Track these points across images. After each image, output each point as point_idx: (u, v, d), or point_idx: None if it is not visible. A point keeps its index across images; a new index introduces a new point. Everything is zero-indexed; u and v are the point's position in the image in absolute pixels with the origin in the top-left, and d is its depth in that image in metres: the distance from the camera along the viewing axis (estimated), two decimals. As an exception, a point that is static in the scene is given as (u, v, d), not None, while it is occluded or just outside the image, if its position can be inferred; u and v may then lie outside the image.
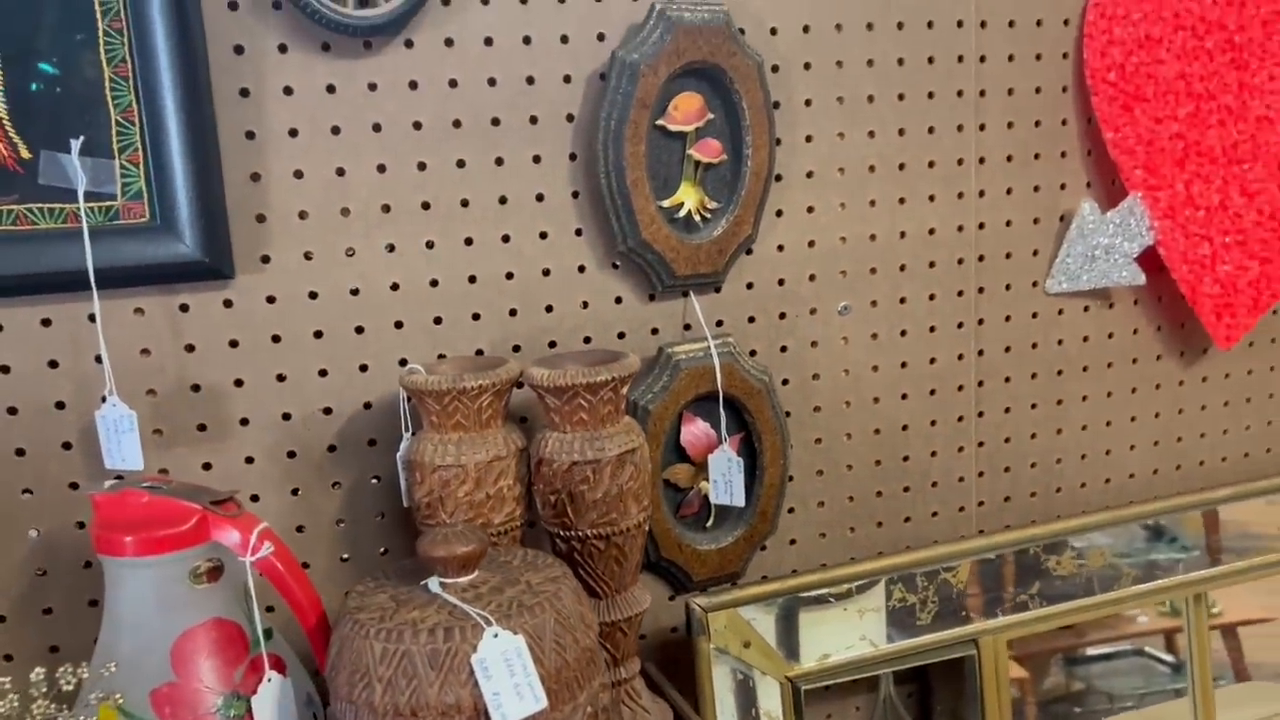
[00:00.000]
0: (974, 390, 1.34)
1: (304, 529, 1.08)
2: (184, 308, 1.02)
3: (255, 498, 1.06)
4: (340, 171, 1.04)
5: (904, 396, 1.31)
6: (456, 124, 1.07)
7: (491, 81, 1.07)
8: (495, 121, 1.08)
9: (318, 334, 1.06)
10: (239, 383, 1.04)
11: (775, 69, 1.17)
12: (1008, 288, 1.33)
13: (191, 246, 0.98)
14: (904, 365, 1.30)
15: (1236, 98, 1.33)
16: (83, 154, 0.94)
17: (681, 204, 1.13)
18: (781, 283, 1.22)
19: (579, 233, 1.13)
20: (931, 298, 1.29)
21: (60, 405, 0.99)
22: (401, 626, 0.81)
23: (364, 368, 1.08)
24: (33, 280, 0.95)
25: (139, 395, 1.01)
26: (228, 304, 1.03)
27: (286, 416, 1.06)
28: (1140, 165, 1.31)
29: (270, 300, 1.04)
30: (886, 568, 1.25)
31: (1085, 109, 1.31)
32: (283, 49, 1.01)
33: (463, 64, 1.06)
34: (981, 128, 1.28)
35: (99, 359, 0.98)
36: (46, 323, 0.98)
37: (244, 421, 1.05)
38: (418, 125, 1.06)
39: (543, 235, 1.12)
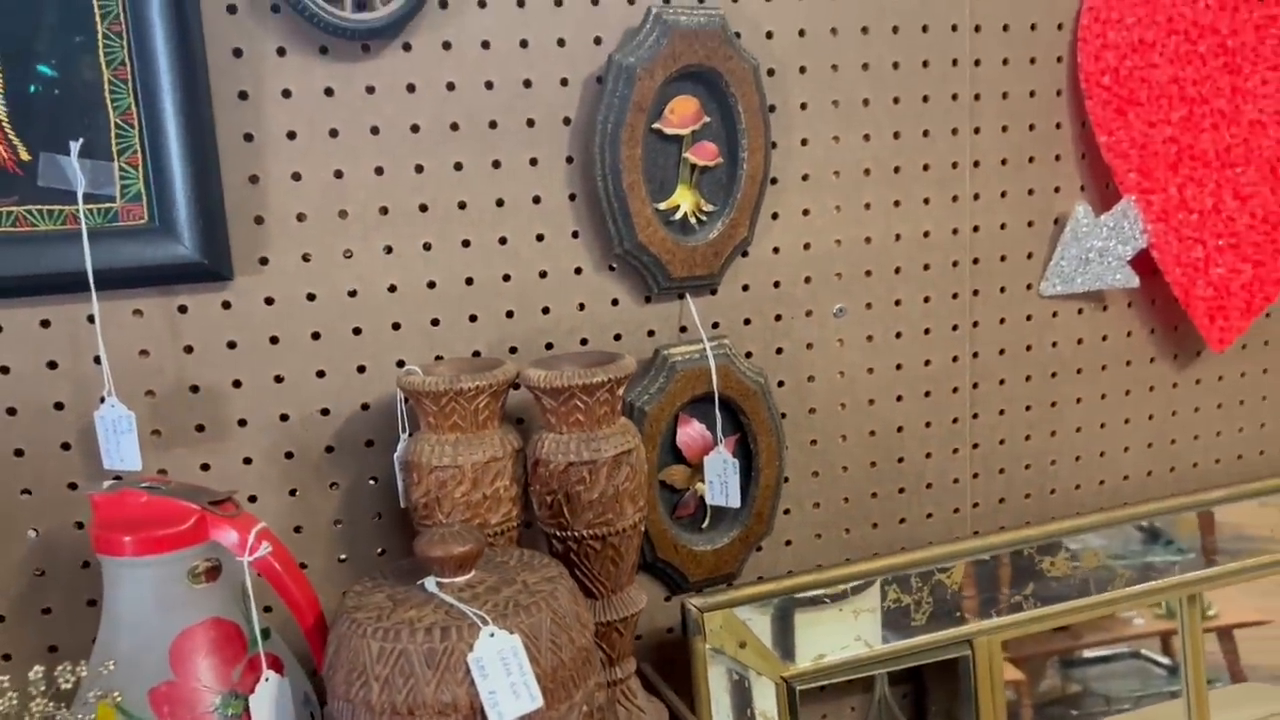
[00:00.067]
0: (969, 392, 1.35)
1: (301, 529, 1.09)
2: (183, 309, 1.02)
3: (253, 498, 1.07)
4: (338, 174, 1.05)
5: (899, 398, 1.31)
6: (454, 127, 1.08)
7: (489, 85, 1.08)
8: (493, 124, 1.09)
9: (315, 335, 1.07)
10: (237, 384, 1.05)
11: (771, 72, 1.18)
12: (1002, 290, 1.34)
13: (190, 248, 0.98)
14: (899, 367, 1.31)
15: (1229, 102, 1.34)
16: (82, 156, 0.95)
17: (678, 206, 1.14)
18: (777, 285, 1.23)
19: (575, 235, 1.14)
20: (926, 300, 1.30)
21: (59, 406, 1.00)
22: (399, 626, 0.81)
23: (361, 369, 1.08)
24: (32, 281, 0.95)
25: (138, 396, 1.01)
26: (226, 305, 1.03)
27: (284, 417, 1.07)
28: (1134, 169, 1.32)
29: (268, 302, 1.05)
30: (881, 568, 1.25)
31: (1079, 113, 1.32)
32: (281, 52, 1.01)
33: (460, 67, 1.07)
34: (976, 131, 1.28)
35: (98, 360, 0.98)
36: (46, 324, 0.98)
37: (242, 422, 1.05)
38: (415, 128, 1.06)
39: (539, 237, 1.12)
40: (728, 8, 1.14)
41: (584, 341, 1.16)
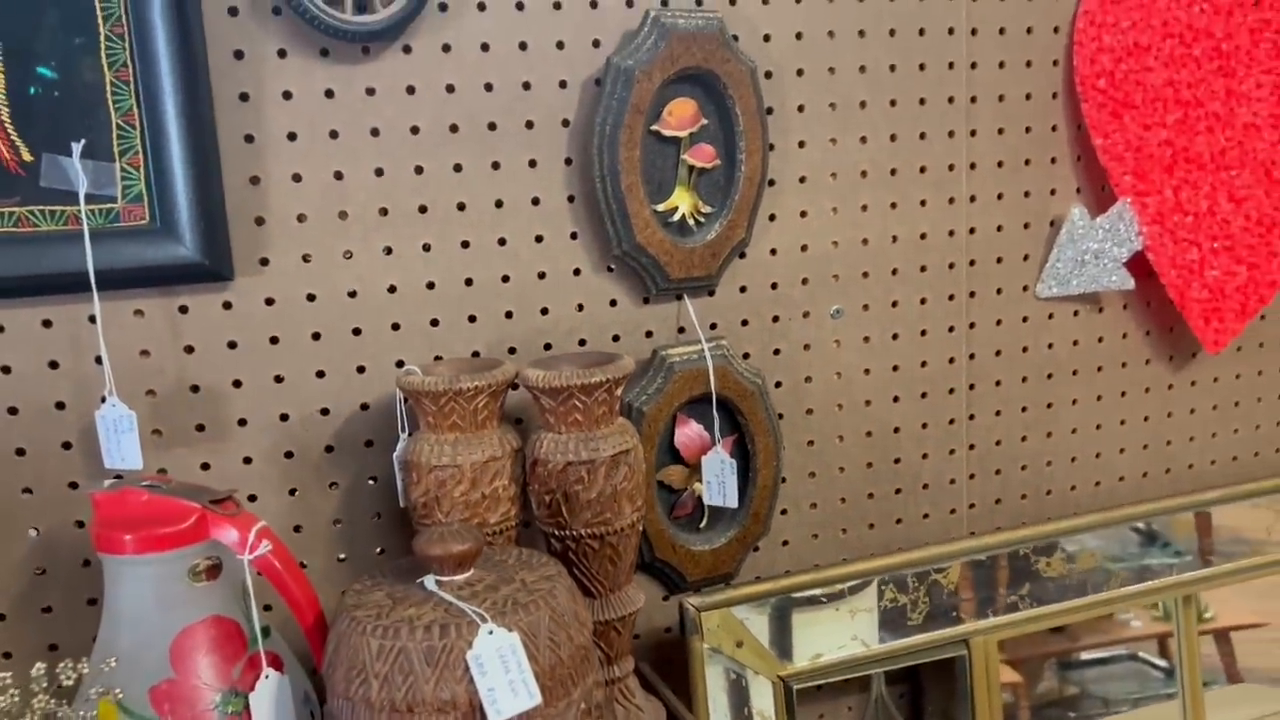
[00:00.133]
0: (965, 393, 1.36)
1: (301, 529, 1.09)
2: (183, 309, 1.03)
3: (253, 498, 1.07)
4: (338, 175, 1.05)
5: (895, 399, 1.32)
6: (453, 129, 1.08)
7: (488, 87, 1.09)
8: (492, 126, 1.09)
9: (315, 336, 1.07)
10: (237, 384, 1.05)
11: (769, 75, 1.18)
12: (998, 292, 1.34)
13: (191, 249, 0.99)
14: (895, 368, 1.31)
15: (1224, 104, 1.34)
16: (84, 157, 0.95)
17: (676, 208, 1.15)
18: (774, 286, 1.24)
19: (574, 236, 1.14)
20: (923, 301, 1.31)
21: (60, 405, 1.00)
22: (398, 623, 0.82)
23: (361, 369, 1.09)
24: (34, 282, 0.96)
25: (138, 396, 1.02)
26: (227, 306, 1.04)
27: (284, 417, 1.07)
28: (1129, 171, 1.33)
29: (269, 302, 1.05)
30: (878, 568, 1.26)
31: (1075, 115, 1.33)
32: (282, 54, 1.02)
33: (460, 69, 1.07)
34: (972, 133, 1.29)
35: (99, 360, 0.99)
36: (47, 324, 0.99)
37: (242, 422, 1.06)
38: (415, 130, 1.07)
39: (538, 239, 1.13)
40: (725, 10, 1.14)
41: (582, 342, 1.17)
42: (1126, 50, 1.30)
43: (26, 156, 0.94)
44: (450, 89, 1.07)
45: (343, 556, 1.11)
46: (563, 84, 1.11)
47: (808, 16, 1.19)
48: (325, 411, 1.08)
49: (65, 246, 0.96)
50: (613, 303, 1.17)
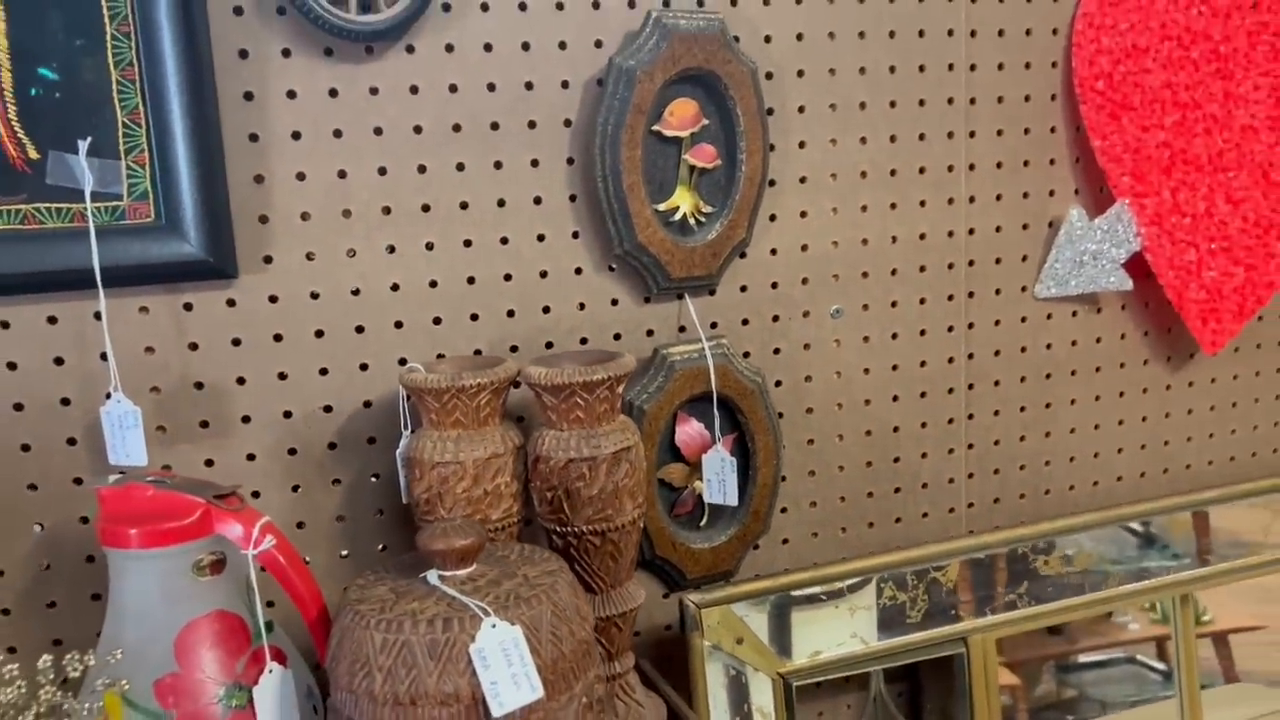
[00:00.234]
0: (964, 393, 1.36)
1: (304, 525, 1.10)
2: (188, 307, 1.03)
3: (256, 494, 1.08)
4: (342, 174, 1.06)
5: (895, 399, 1.33)
6: (456, 128, 1.09)
7: (491, 87, 1.09)
8: (494, 126, 1.10)
9: (319, 333, 1.08)
10: (241, 381, 1.06)
11: (769, 76, 1.19)
12: (997, 292, 1.35)
13: (196, 246, 1.00)
14: (895, 368, 1.32)
15: (1222, 106, 1.35)
16: (90, 155, 0.96)
17: (677, 208, 1.15)
18: (775, 286, 1.24)
19: (576, 235, 1.15)
20: (922, 302, 1.32)
21: (65, 402, 1.01)
22: (401, 617, 0.83)
23: (364, 367, 1.10)
24: (39, 278, 0.97)
25: (143, 392, 1.02)
26: (231, 303, 1.05)
27: (288, 414, 1.08)
28: (1127, 172, 1.33)
29: (272, 300, 1.06)
30: (878, 566, 1.26)
31: (1073, 117, 1.33)
32: (286, 54, 1.02)
33: (463, 69, 1.08)
34: (971, 135, 1.30)
35: (104, 356, 1.00)
36: (53, 320, 1.00)
37: (246, 419, 1.07)
38: (418, 129, 1.08)
39: (540, 238, 1.14)
40: (727, 12, 1.15)
41: (584, 341, 1.17)
42: (1125, 52, 1.31)
43: (33, 154, 0.95)
44: (453, 89, 1.08)
45: (345, 553, 1.12)
46: (565, 84, 1.12)
47: (808, 18, 1.20)
48: (328, 409, 1.09)
49: (71, 243, 0.96)
50: (614, 302, 1.18)
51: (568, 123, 1.13)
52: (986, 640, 1.29)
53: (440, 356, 1.11)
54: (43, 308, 0.99)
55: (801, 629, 1.23)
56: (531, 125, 1.11)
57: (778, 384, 1.26)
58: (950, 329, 1.34)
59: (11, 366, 0.99)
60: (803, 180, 1.23)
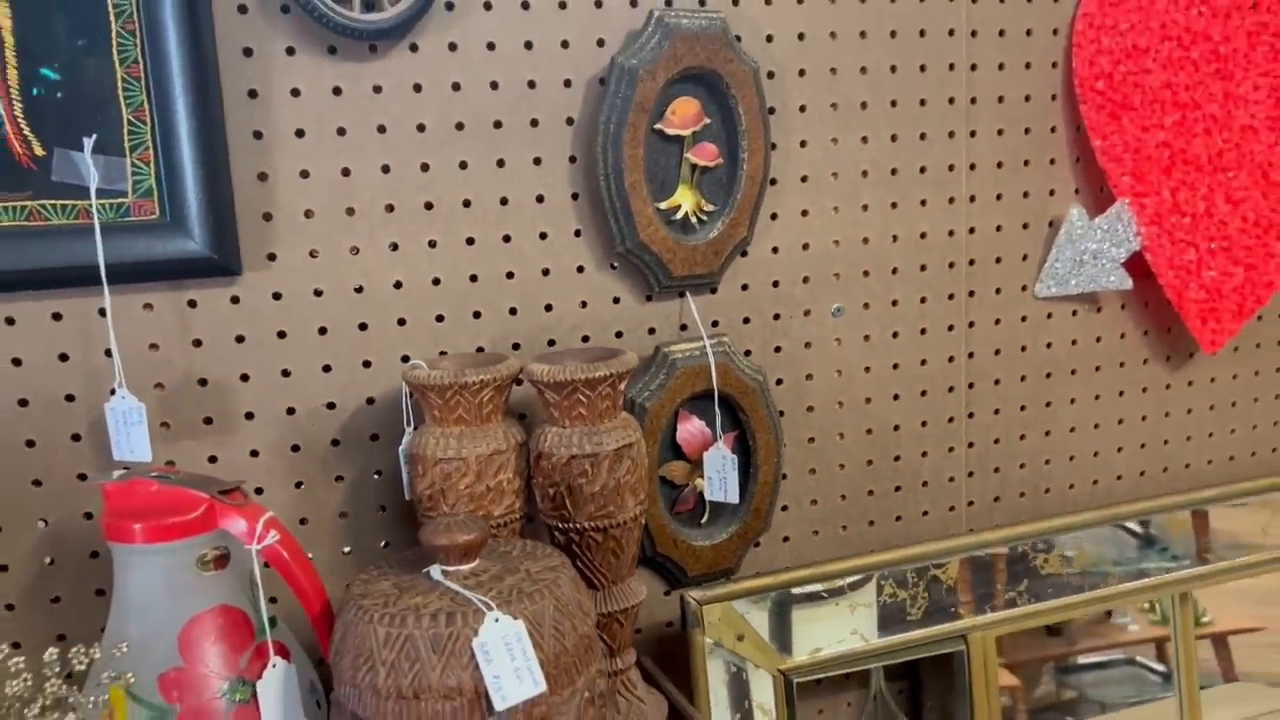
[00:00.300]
0: (964, 392, 1.37)
1: (307, 521, 1.10)
2: (192, 303, 1.04)
3: (260, 490, 1.08)
4: (345, 172, 1.07)
5: (895, 397, 1.33)
6: (459, 126, 1.09)
7: (494, 85, 1.10)
8: (497, 124, 1.11)
9: (322, 330, 1.08)
10: (245, 377, 1.06)
11: (771, 75, 1.19)
12: (998, 291, 1.36)
13: (200, 244, 1.00)
14: (895, 366, 1.32)
15: (1221, 107, 1.36)
16: (95, 152, 0.96)
17: (678, 206, 1.16)
18: (776, 284, 1.25)
19: (578, 233, 1.16)
20: (923, 300, 1.32)
21: (70, 398, 1.01)
22: (405, 611, 0.83)
23: (367, 364, 1.10)
24: (45, 275, 0.97)
25: (147, 389, 1.03)
26: (235, 300, 1.05)
27: (291, 411, 1.08)
28: (1128, 172, 1.34)
29: (276, 297, 1.06)
30: (878, 564, 1.27)
31: (1074, 117, 1.34)
32: (290, 52, 1.03)
33: (466, 68, 1.09)
34: (972, 134, 1.30)
35: (109, 352, 1.00)
36: (57, 317, 1.00)
37: (249, 415, 1.07)
38: (421, 127, 1.08)
39: (543, 236, 1.14)
40: (729, 11, 1.16)
41: (586, 338, 1.18)
42: (1125, 53, 1.31)
43: (39, 151, 0.96)
44: (456, 87, 1.09)
45: (348, 549, 1.12)
46: (567, 83, 1.12)
47: (810, 18, 1.20)
48: (331, 405, 1.10)
49: (76, 240, 0.97)
50: (616, 300, 1.18)
51: (570, 121, 1.13)
52: (986, 638, 1.30)
53: (443, 354, 1.12)
54: (48, 304, 1.00)
55: (802, 626, 1.23)
56: (534, 124, 1.12)
57: (779, 382, 1.27)
58: (951, 328, 1.34)
59: (16, 363, 1.00)
60: (804, 179, 1.24)
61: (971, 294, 1.34)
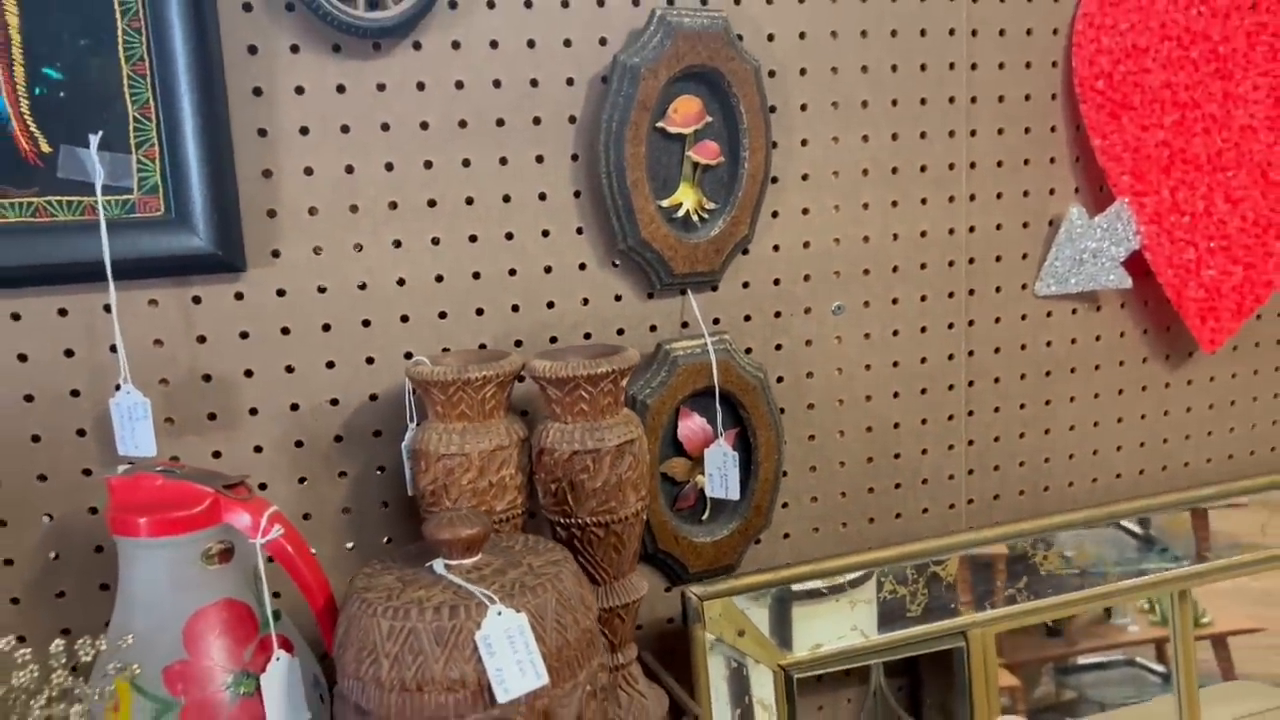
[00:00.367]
0: (964, 390, 1.37)
1: (310, 517, 1.11)
2: (196, 300, 1.04)
3: (263, 486, 1.09)
4: (349, 169, 1.07)
5: (896, 395, 1.34)
6: (462, 124, 1.10)
7: (496, 83, 1.10)
8: (500, 122, 1.11)
9: (326, 327, 1.09)
10: (249, 373, 1.07)
11: (772, 74, 1.20)
12: (997, 290, 1.36)
13: (205, 240, 1.01)
14: (896, 364, 1.33)
15: (1221, 106, 1.36)
16: (101, 149, 0.97)
17: (680, 204, 1.17)
18: (777, 282, 1.25)
19: (580, 231, 1.16)
20: (923, 299, 1.33)
21: (75, 393, 1.02)
22: (408, 605, 0.84)
23: (370, 360, 1.11)
24: (50, 271, 0.98)
25: (152, 384, 1.04)
26: (239, 297, 1.06)
27: (294, 407, 1.09)
28: (1127, 171, 1.34)
29: (280, 293, 1.07)
30: (878, 560, 1.27)
31: (1074, 116, 1.34)
32: (295, 49, 1.04)
33: (469, 66, 1.09)
34: (972, 133, 1.31)
35: (114, 348, 1.01)
36: (63, 312, 1.01)
37: (253, 411, 1.08)
38: (425, 125, 1.09)
39: (545, 233, 1.15)
40: (730, 10, 1.16)
41: (587, 336, 1.18)
42: (1125, 52, 1.32)
43: (45, 147, 0.96)
44: (459, 85, 1.09)
45: (351, 545, 1.13)
46: (570, 81, 1.13)
47: (811, 17, 1.21)
48: (335, 401, 1.10)
49: (81, 236, 0.97)
50: (617, 297, 1.19)
51: (572, 119, 1.14)
52: (986, 634, 1.30)
53: (446, 350, 1.13)
54: (53, 300, 1.00)
55: (802, 622, 1.24)
56: (537, 122, 1.12)
57: (779, 380, 1.27)
58: (951, 326, 1.35)
59: (22, 358, 1.00)
60: (805, 177, 1.24)
61: (971, 292, 1.35)
